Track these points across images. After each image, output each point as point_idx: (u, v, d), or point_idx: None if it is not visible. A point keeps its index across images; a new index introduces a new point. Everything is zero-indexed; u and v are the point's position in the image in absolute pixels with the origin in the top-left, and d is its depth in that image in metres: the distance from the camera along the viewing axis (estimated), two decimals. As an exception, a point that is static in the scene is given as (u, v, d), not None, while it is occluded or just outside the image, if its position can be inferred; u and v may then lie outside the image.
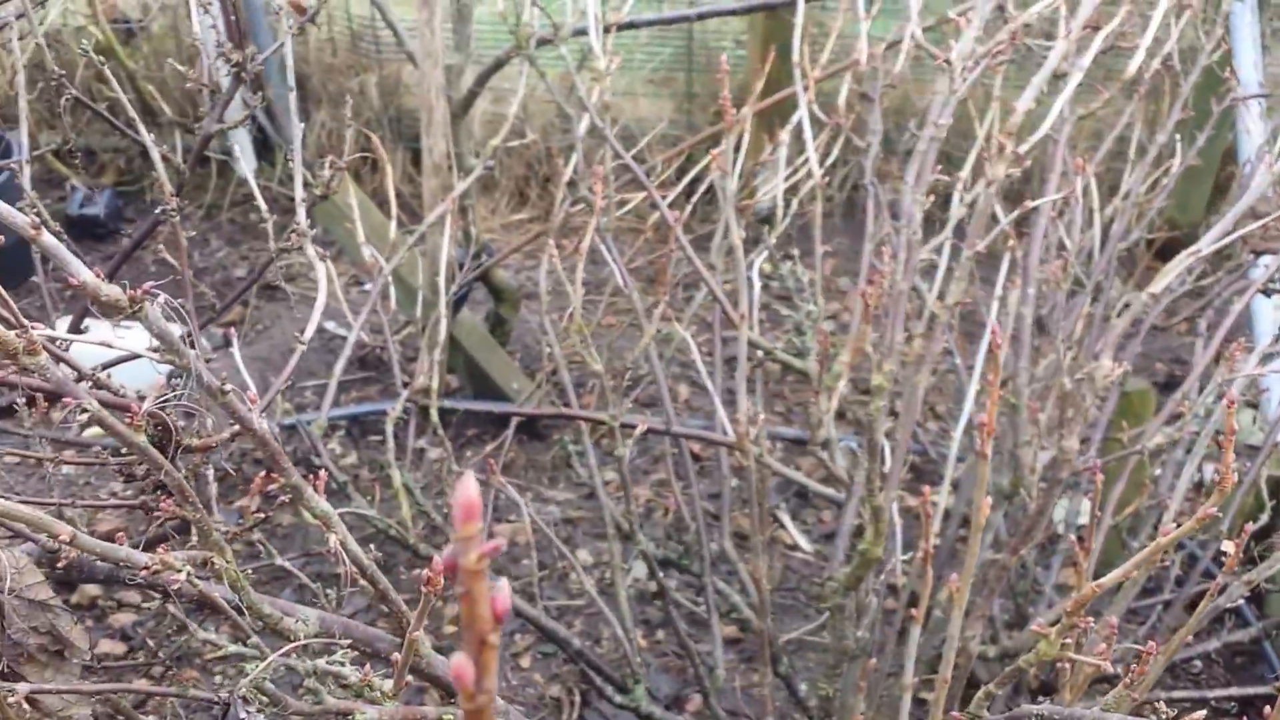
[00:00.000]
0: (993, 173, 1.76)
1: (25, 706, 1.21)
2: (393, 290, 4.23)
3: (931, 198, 2.02)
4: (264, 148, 5.88)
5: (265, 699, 1.30)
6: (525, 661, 3.33)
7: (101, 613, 3.40)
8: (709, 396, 2.50)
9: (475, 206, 4.33)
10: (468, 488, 0.46)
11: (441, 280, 2.89)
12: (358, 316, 2.80)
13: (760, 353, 2.37)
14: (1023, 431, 2.08)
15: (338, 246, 4.88)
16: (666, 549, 2.60)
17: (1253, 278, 2.48)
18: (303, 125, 2.37)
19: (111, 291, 1.17)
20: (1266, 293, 2.48)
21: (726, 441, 2.27)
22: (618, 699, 2.37)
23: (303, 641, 1.36)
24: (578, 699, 3.13)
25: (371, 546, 1.53)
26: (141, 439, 1.23)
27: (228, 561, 1.31)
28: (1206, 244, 1.82)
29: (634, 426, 2.37)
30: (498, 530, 3.81)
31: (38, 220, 1.17)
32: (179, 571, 1.24)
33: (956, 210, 1.98)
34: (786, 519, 3.86)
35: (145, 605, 3.35)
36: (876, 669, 2.05)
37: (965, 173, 2.02)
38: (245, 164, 5.84)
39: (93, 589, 3.41)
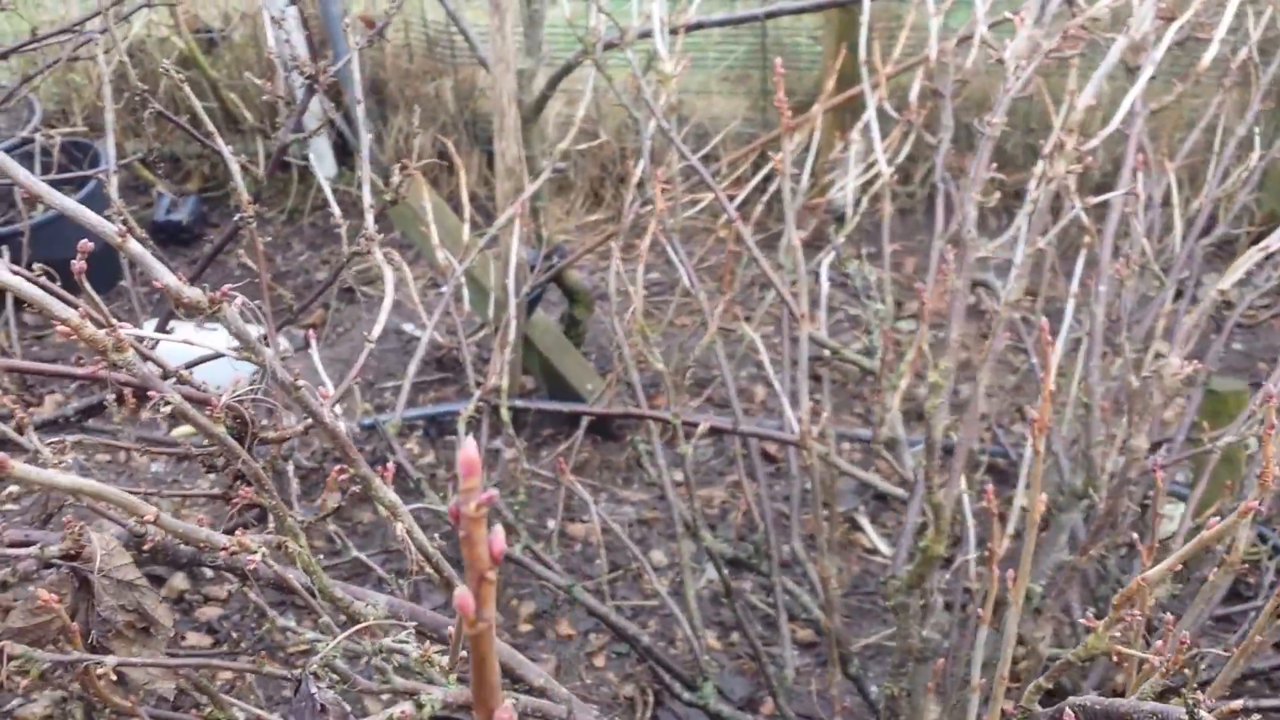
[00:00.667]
0: (1054, 170, 1.74)
1: (113, 679, 1.25)
2: (465, 292, 4.25)
3: (998, 195, 1.99)
4: (344, 154, 5.95)
5: (335, 676, 1.32)
6: (599, 661, 3.34)
7: (189, 606, 3.46)
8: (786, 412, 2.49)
9: (549, 208, 4.34)
10: (469, 448, 0.51)
11: (511, 281, 2.90)
12: (434, 323, 2.82)
13: (828, 351, 2.35)
14: (1095, 432, 2.05)
15: (415, 250, 4.92)
16: (737, 549, 2.59)
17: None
18: (370, 135, 2.39)
19: (192, 294, 1.19)
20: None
21: (790, 439, 2.26)
22: (686, 696, 2.36)
23: (370, 623, 1.37)
24: (651, 699, 3.13)
25: (436, 535, 1.55)
26: (220, 429, 1.26)
27: (301, 546, 1.33)
28: (1277, 240, 1.78)
29: (696, 424, 2.36)
30: (571, 530, 3.82)
31: (124, 228, 1.20)
32: (254, 553, 1.26)
33: (1026, 207, 1.95)
34: (865, 522, 3.83)
35: (230, 589, 3.41)
36: (949, 671, 2.03)
37: (1039, 169, 2.00)
38: (325, 170, 5.91)
39: (180, 583, 3.48)
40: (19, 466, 0.88)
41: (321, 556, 3.61)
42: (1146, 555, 1.42)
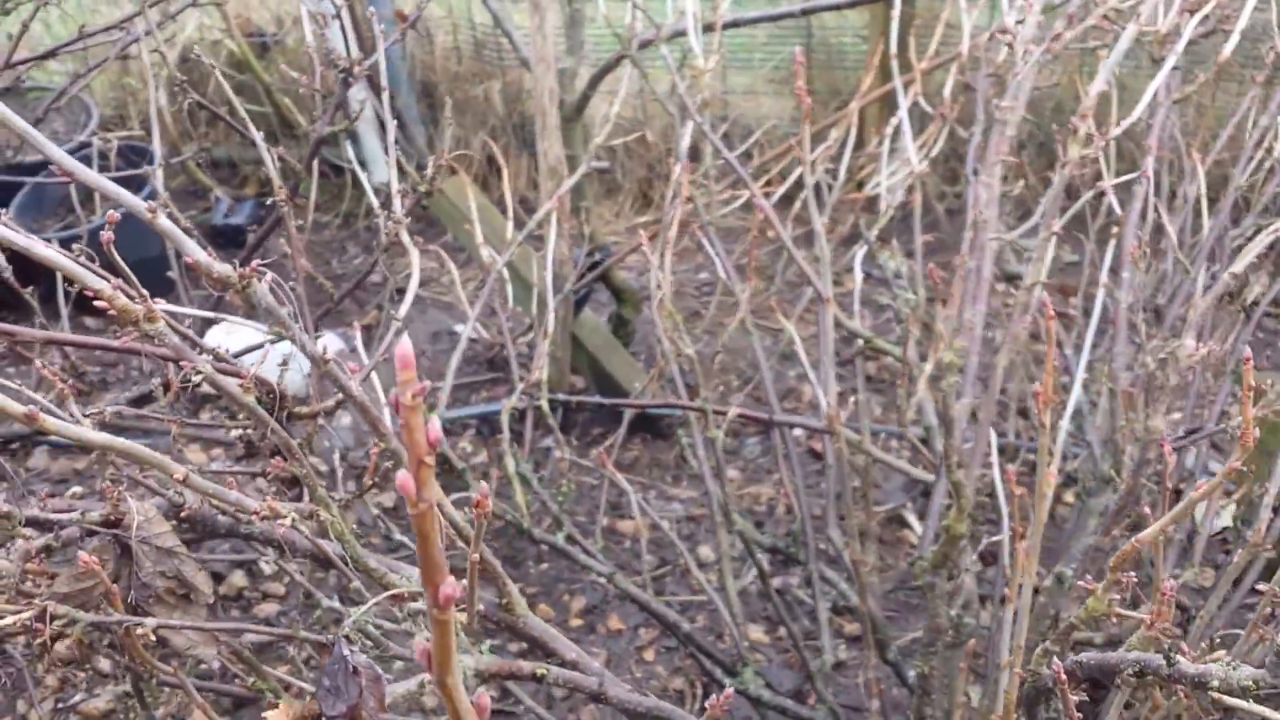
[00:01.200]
0: (1069, 154, 1.77)
1: (153, 641, 1.30)
2: (510, 289, 4.31)
3: (1021, 183, 2.02)
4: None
5: (368, 641, 1.37)
6: (649, 655, 3.38)
7: (247, 604, 3.54)
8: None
9: (594, 209, 4.39)
10: (405, 345, 0.56)
11: (550, 274, 2.95)
12: (476, 315, 2.88)
13: (861, 341, 2.39)
14: (1120, 417, 2.07)
15: (466, 254, 4.98)
16: (775, 538, 2.63)
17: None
18: (397, 132, 2.45)
19: (222, 269, 1.25)
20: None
21: (821, 426, 2.30)
22: (727, 683, 2.40)
23: (400, 590, 1.42)
24: (700, 691, 3.17)
25: (466, 508, 1.59)
26: (250, 399, 1.31)
27: (334, 516, 1.38)
28: (1291, 222, 1.79)
29: (725, 411, 2.40)
30: (619, 526, 3.86)
31: (155, 204, 1.25)
32: (284, 517, 1.32)
33: (1049, 193, 1.98)
34: (912, 518, 3.85)
35: (286, 583, 3.47)
36: (979, 651, 2.06)
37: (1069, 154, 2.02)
38: (378, 174, 5.99)
39: (240, 580, 3.56)
40: (50, 420, 0.93)
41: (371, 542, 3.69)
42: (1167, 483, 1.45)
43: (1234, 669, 1.01)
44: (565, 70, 3.89)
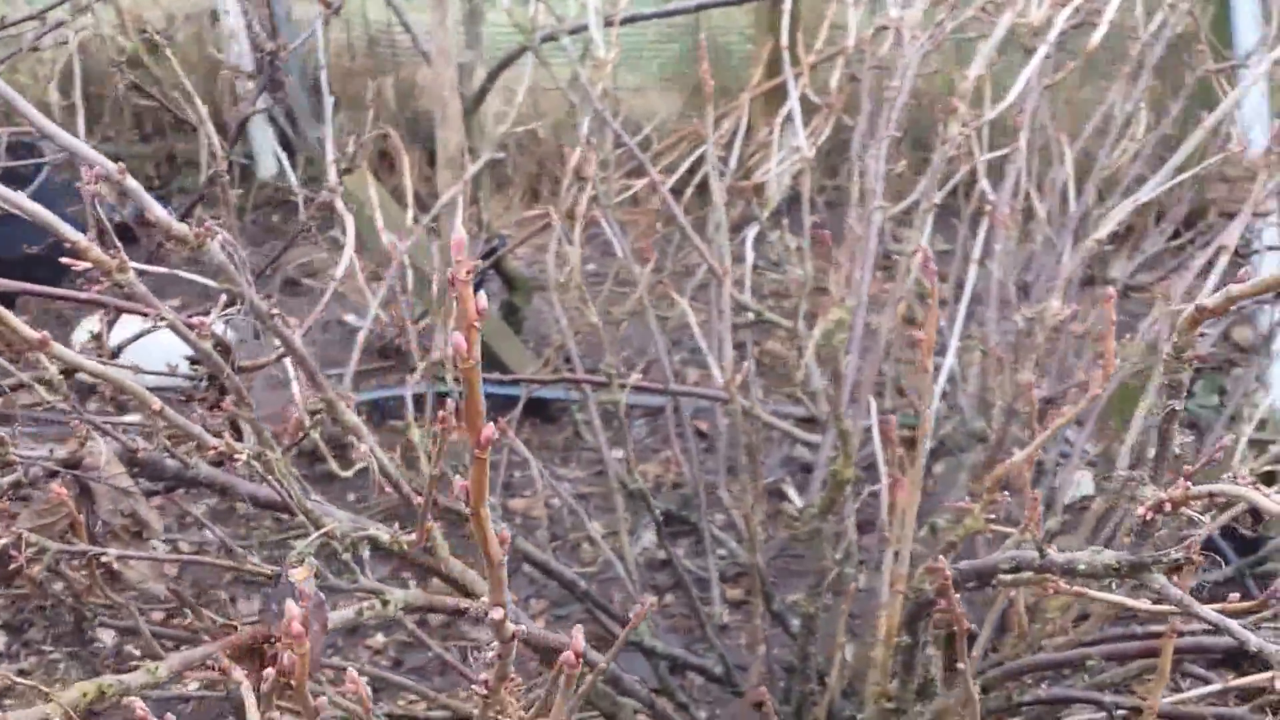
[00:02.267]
0: (947, 133, 1.93)
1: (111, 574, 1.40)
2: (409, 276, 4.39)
3: (904, 163, 2.19)
4: (286, 150, 6.06)
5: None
6: (540, 624, 3.50)
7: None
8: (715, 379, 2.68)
9: (489, 201, 4.51)
10: (459, 231, 0.68)
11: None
12: (375, 304, 2.97)
13: (752, 315, 2.54)
14: (991, 375, 2.25)
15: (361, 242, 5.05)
16: (666, 501, 2.78)
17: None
18: (333, 99, 2.55)
19: (180, 229, 1.35)
20: (1241, 256, 2.64)
21: (715, 395, 2.45)
22: (614, 629, 2.52)
23: (335, 526, 1.52)
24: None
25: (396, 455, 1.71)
26: (207, 345, 1.42)
27: (277, 458, 1.48)
28: (1146, 192, 1.98)
29: (625, 383, 2.53)
30: (511, 504, 3.98)
31: (124, 166, 1.36)
32: (240, 454, 1.42)
33: (930, 170, 2.15)
34: (792, 492, 4.02)
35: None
36: (858, 593, 2.21)
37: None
38: (266, 168, 6.03)
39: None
40: (57, 347, 1.04)
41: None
42: (1027, 468, 1.61)
43: (1098, 554, 1.16)
44: (465, 64, 4.01)
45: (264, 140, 5.93)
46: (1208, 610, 1.03)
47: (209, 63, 6.03)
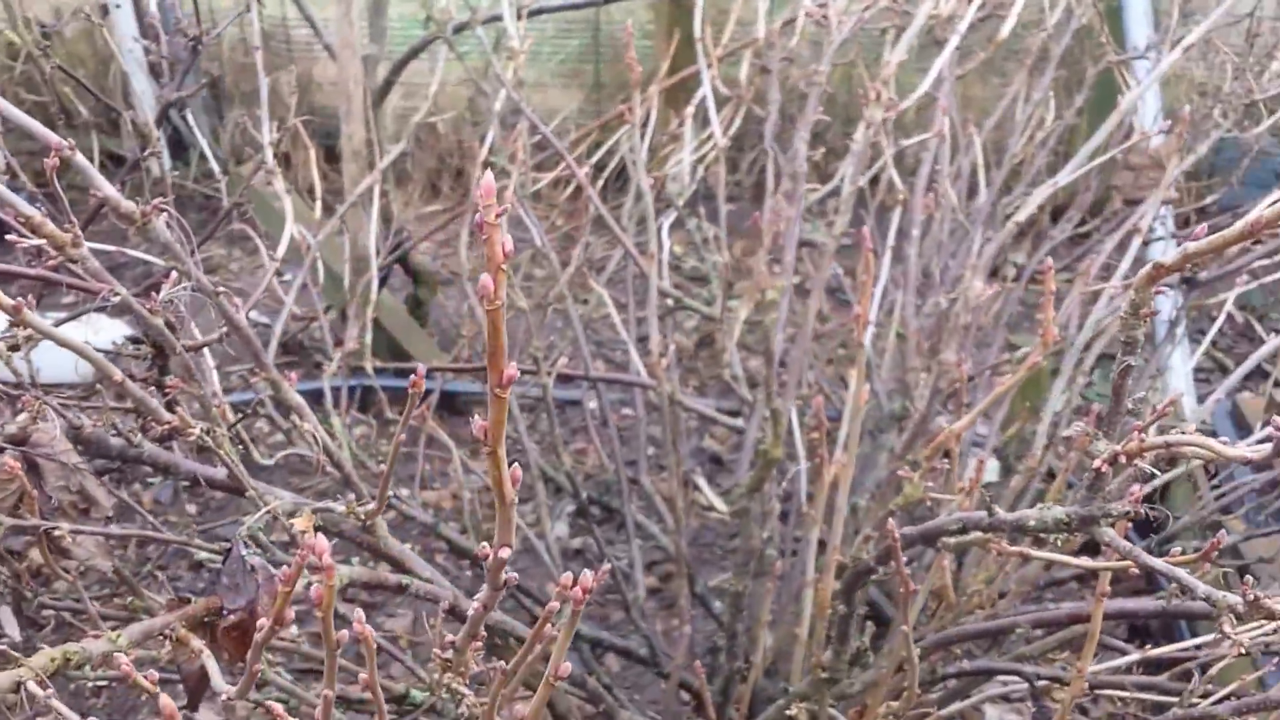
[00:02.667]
0: (869, 116, 1.98)
1: (59, 549, 1.39)
2: (320, 276, 4.38)
3: (823, 150, 2.24)
4: (178, 148, 5.99)
5: (259, 547, 1.48)
6: (459, 614, 3.50)
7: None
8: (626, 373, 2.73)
9: (391, 196, 4.49)
10: (488, 179, 0.69)
11: (372, 248, 3.06)
12: (284, 304, 2.96)
13: (671, 301, 2.57)
14: (911, 359, 2.31)
15: (253, 244, 5.01)
16: (587, 488, 2.80)
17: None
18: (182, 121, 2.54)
19: (128, 206, 1.35)
20: (1146, 242, 2.74)
21: (638, 381, 2.48)
22: (539, 612, 2.53)
23: (276, 505, 1.53)
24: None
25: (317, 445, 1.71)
26: (159, 321, 1.41)
27: (224, 434, 1.48)
28: (1064, 176, 2.05)
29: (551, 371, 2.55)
30: (424, 496, 3.97)
31: (71, 142, 1.35)
32: (193, 429, 1.42)
33: (851, 152, 2.20)
34: (702, 482, 4.06)
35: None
36: (783, 574, 2.26)
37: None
38: (162, 161, 5.94)
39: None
40: (30, 315, 1.04)
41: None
42: (955, 441, 1.66)
43: (1047, 510, 1.21)
44: (369, 56, 3.99)
45: (160, 139, 5.83)
46: (1157, 561, 1.08)
47: (99, 58, 5.95)
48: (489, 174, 0.75)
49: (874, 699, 1.74)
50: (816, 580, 1.88)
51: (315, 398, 3.14)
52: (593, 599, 3.45)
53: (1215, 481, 2.67)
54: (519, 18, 3.00)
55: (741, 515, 2.17)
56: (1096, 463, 1.06)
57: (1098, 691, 1.85)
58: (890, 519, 1.40)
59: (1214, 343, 4.85)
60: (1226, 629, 0.99)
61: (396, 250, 4.07)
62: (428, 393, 3.96)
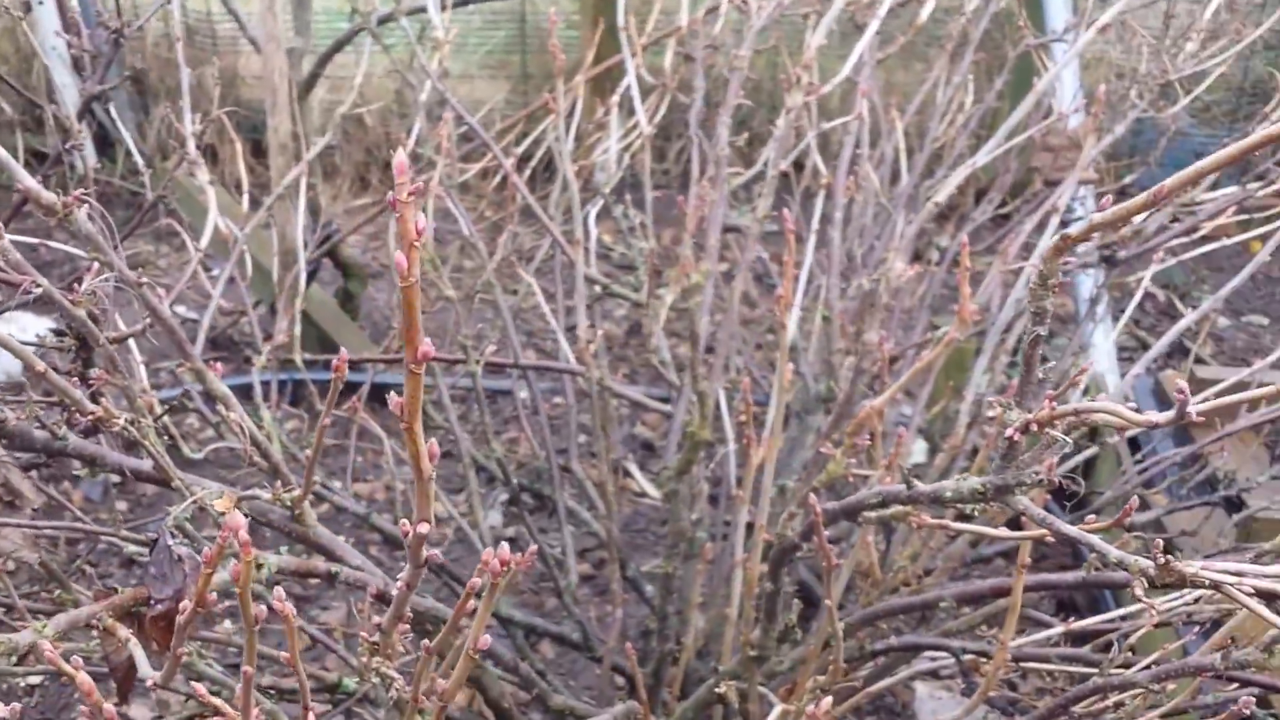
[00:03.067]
0: (790, 101, 2.00)
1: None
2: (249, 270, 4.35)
3: (747, 135, 2.26)
4: (104, 144, 5.93)
5: (185, 537, 1.48)
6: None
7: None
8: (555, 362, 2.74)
9: (319, 189, 4.47)
10: (400, 156, 0.70)
11: (300, 240, 3.04)
12: (211, 297, 2.94)
13: (599, 288, 2.58)
14: (835, 341, 2.33)
15: (180, 240, 4.98)
16: (518, 476, 2.81)
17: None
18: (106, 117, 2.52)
19: (49, 198, 1.34)
20: (1065, 222, 2.79)
21: (567, 368, 2.49)
22: (473, 604, 2.53)
23: (202, 495, 1.52)
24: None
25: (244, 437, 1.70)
26: (82, 313, 1.41)
27: (149, 425, 1.48)
28: (982, 157, 2.08)
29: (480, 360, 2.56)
30: (357, 489, 3.96)
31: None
32: (117, 418, 1.41)
33: (774, 136, 2.22)
34: (634, 469, 4.08)
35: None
36: (714, 557, 2.28)
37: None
38: (87, 158, 5.87)
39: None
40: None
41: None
42: (878, 419, 1.68)
43: (963, 481, 1.23)
44: (294, 49, 3.97)
45: (83, 132, 5.78)
46: (1072, 528, 1.10)
47: (22, 55, 5.87)
48: (401, 152, 0.75)
49: (803, 675, 1.76)
50: (745, 560, 1.90)
51: (246, 392, 3.14)
52: (526, 587, 3.48)
53: (1139, 457, 2.73)
54: (443, 8, 3.00)
55: (670, 498, 2.19)
56: (1008, 431, 1.08)
57: (1023, 665, 1.88)
58: (813, 495, 1.42)
59: (1137, 322, 4.95)
60: (1139, 592, 1.02)
61: (325, 243, 4.05)
62: (358, 384, 3.96)
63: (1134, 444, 3.06)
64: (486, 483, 3.55)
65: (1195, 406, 0.97)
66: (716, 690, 1.85)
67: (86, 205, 1.44)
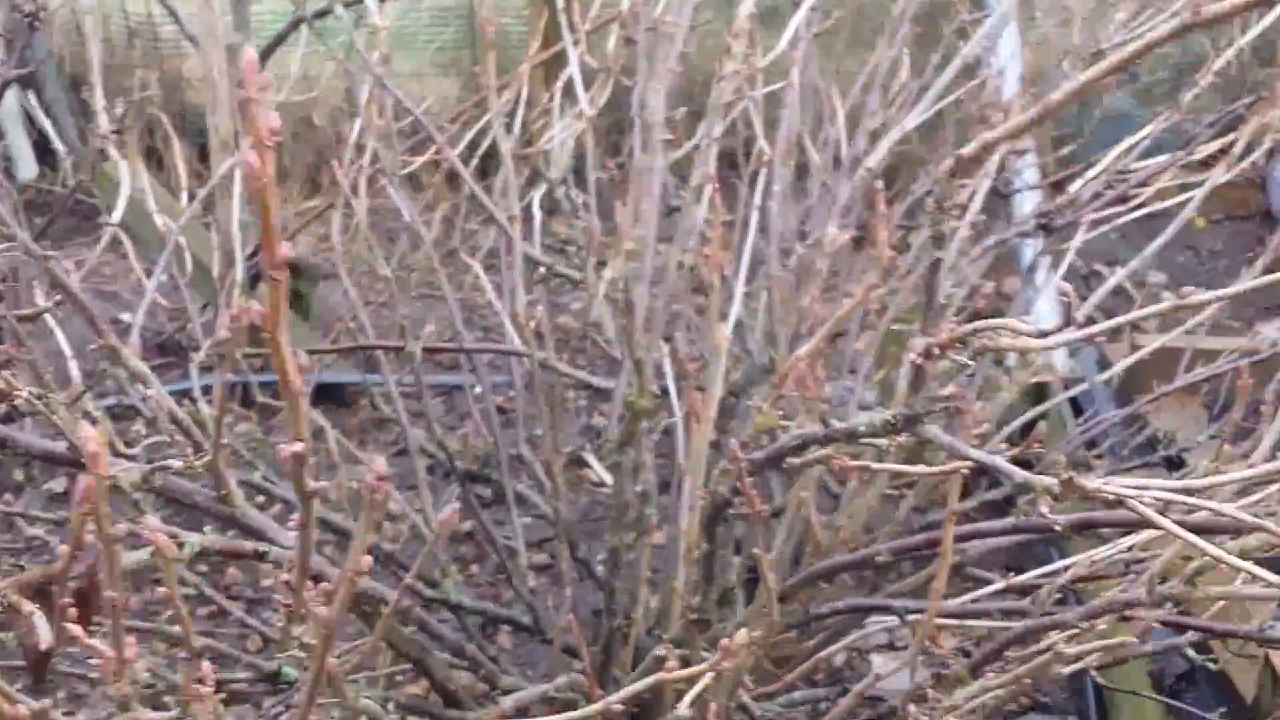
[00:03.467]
0: (723, 70, 2.01)
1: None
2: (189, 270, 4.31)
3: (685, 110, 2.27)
4: (45, 152, 5.89)
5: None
6: (341, 591, 3.48)
7: None
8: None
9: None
10: (250, 53, 0.69)
11: (237, 237, 3.02)
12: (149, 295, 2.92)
13: (542, 269, 2.58)
14: (775, 310, 2.33)
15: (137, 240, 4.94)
16: (466, 464, 2.80)
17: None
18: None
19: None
20: (1003, 194, 2.81)
21: (512, 350, 2.49)
22: (428, 593, 2.52)
23: (118, 471, 1.50)
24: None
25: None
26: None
27: (58, 401, 1.46)
28: (912, 120, 2.09)
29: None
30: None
31: None
32: (21, 393, 1.40)
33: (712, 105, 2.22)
34: (592, 458, 4.08)
35: None
36: (659, 527, 2.27)
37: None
38: (25, 171, 5.83)
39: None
40: None
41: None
42: (813, 367, 1.68)
43: (875, 414, 1.23)
44: (233, 45, 3.95)
45: (22, 142, 5.75)
46: (978, 453, 1.10)
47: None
48: (250, 51, 0.74)
49: (732, 630, 1.75)
50: (687, 528, 1.89)
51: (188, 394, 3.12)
52: (483, 579, 3.46)
53: (1081, 420, 2.74)
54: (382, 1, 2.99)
55: (614, 470, 2.18)
56: (910, 356, 1.08)
57: (960, 621, 1.88)
58: (735, 444, 1.42)
59: (1085, 298, 4.97)
60: (1044, 509, 1.02)
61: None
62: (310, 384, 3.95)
63: (1077, 408, 3.08)
64: (443, 477, 3.53)
65: (1121, 365, 0.97)
66: (657, 654, 1.83)
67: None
